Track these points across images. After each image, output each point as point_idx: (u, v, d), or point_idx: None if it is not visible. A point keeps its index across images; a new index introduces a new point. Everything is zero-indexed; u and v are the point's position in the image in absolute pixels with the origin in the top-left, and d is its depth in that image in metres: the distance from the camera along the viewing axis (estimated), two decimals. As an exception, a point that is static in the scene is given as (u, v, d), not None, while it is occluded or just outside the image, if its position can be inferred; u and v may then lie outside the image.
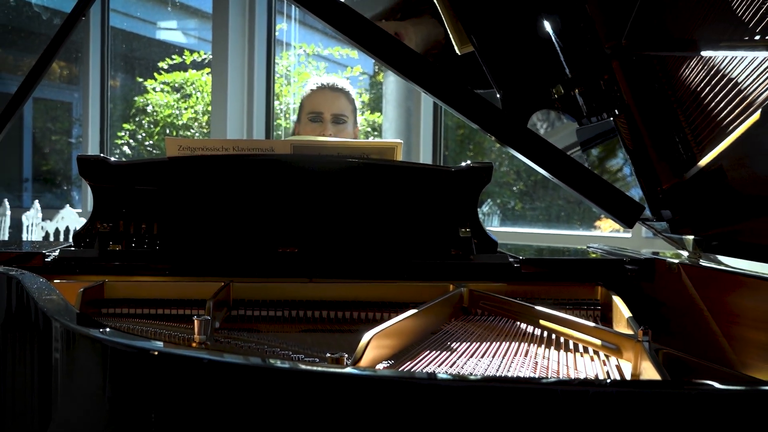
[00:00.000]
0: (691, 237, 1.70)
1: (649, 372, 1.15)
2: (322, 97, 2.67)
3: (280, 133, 5.94)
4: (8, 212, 5.76)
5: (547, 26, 1.69)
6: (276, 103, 5.93)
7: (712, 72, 1.50)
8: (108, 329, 1.07)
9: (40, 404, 1.24)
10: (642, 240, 4.26)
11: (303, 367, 0.90)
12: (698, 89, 1.55)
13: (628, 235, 4.41)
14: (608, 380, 1.18)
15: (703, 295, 1.58)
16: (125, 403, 0.99)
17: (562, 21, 1.68)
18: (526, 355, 1.33)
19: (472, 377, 0.91)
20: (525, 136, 1.64)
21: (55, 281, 1.63)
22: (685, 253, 1.75)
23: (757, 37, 1.34)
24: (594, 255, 1.99)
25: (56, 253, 1.78)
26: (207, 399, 0.92)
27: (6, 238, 5.75)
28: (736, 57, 1.43)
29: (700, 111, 1.57)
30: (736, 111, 1.46)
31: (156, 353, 0.94)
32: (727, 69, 1.46)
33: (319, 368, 0.90)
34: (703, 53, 1.50)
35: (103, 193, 1.81)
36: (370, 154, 1.90)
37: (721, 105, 1.50)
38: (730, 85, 1.47)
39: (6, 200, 5.82)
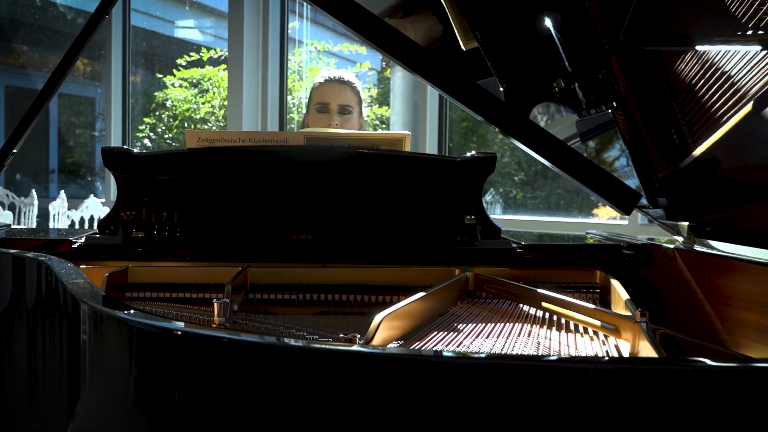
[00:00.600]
0: (686, 223, 1.70)
1: (647, 351, 1.15)
2: (329, 89, 2.68)
3: (293, 126, 5.94)
4: (36, 202, 5.78)
5: (548, 23, 1.68)
6: (289, 97, 5.93)
7: (706, 66, 1.50)
8: (133, 311, 1.08)
9: (70, 383, 1.24)
10: (638, 227, 4.26)
11: (318, 345, 0.90)
12: (693, 82, 1.55)
13: (625, 222, 4.40)
14: (607, 358, 1.18)
15: (697, 279, 1.58)
16: (150, 380, 1.00)
17: (563, 17, 1.67)
18: (529, 335, 1.33)
19: (478, 355, 0.91)
20: (527, 128, 1.64)
21: (81, 266, 1.64)
22: (680, 239, 1.75)
23: (750, 32, 1.34)
24: (592, 241, 1.99)
25: (82, 240, 1.78)
26: (226, 376, 0.92)
27: (34, 227, 5.77)
28: (729, 51, 1.42)
29: (694, 103, 1.56)
30: (729, 103, 1.46)
31: (179, 333, 0.95)
32: (720, 62, 1.46)
33: (334, 347, 0.90)
34: (698, 48, 1.49)
35: (127, 182, 1.82)
36: (379, 146, 1.90)
37: (715, 97, 1.50)
38: (723, 78, 1.46)
39: (33, 191, 5.84)
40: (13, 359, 1.55)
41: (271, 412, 0.90)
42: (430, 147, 4.97)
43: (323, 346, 0.90)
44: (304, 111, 5.56)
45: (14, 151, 1.82)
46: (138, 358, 1.00)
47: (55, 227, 5.41)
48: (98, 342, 1.11)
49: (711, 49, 1.47)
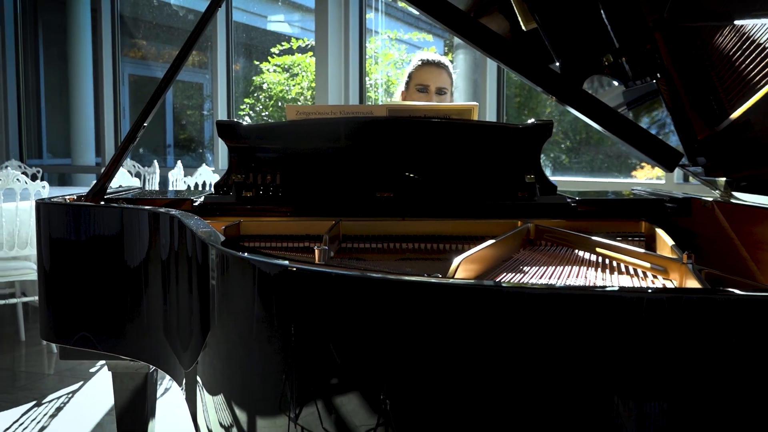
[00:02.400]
0: (723, 179, 1.65)
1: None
2: (429, 73, 2.61)
3: (370, 103, 5.92)
4: (157, 171, 5.91)
5: (598, 4, 1.63)
6: (366, 79, 5.91)
7: (743, 38, 1.43)
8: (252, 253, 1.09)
9: (201, 316, 1.27)
10: (674, 185, 4.14)
11: (417, 278, 0.89)
12: (730, 53, 1.48)
13: (662, 181, 4.29)
14: (655, 288, 1.15)
15: (734, 227, 1.54)
16: (270, 311, 1.01)
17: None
18: (585, 277, 1.31)
19: (557, 287, 0.89)
20: (581, 97, 1.60)
21: (202, 221, 1.67)
22: (717, 193, 1.70)
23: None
24: (629, 193, 1.95)
25: (202, 199, 1.82)
26: (334, 306, 0.93)
27: (158, 190, 5.90)
28: (765, 23, 1.36)
29: (731, 72, 1.50)
30: (765, 71, 1.40)
31: (295, 269, 0.96)
32: (756, 34, 1.39)
33: (432, 280, 0.90)
34: (736, 22, 1.43)
35: (237, 150, 1.84)
36: (451, 115, 1.88)
37: (750, 66, 1.43)
38: (759, 49, 1.40)
39: (155, 161, 5.97)
40: (149, 299, 1.60)
41: (370, 335, 0.91)
42: (489, 119, 4.91)
43: (424, 279, 0.90)
44: (380, 91, 5.50)
45: (144, 125, 1.86)
46: (260, 291, 1.01)
47: (175, 190, 5.53)
48: (225, 277, 1.13)
49: (748, 23, 1.41)
